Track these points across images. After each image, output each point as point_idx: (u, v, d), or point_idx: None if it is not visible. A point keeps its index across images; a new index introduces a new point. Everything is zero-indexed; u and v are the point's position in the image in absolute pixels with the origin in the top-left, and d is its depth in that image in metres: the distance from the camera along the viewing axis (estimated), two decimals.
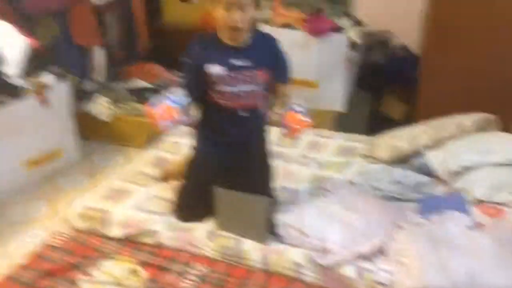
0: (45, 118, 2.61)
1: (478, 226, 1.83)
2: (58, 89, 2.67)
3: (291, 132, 1.85)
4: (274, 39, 1.89)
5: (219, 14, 1.68)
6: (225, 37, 1.75)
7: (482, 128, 2.34)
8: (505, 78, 2.75)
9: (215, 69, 1.74)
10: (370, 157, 2.46)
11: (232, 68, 1.75)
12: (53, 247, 1.82)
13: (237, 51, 1.75)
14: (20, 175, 2.55)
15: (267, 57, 1.83)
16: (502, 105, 2.52)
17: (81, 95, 3.19)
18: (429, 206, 1.97)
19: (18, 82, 2.45)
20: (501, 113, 2.37)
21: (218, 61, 1.74)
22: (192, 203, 1.89)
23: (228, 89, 1.76)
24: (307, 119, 1.82)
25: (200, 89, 1.79)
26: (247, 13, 1.69)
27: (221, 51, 1.75)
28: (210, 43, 1.77)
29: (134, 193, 2.06)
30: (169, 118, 1.63)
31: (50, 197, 2.51)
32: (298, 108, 1.83)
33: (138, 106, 3.14)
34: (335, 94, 3.28)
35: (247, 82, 1.78)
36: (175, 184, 2.07)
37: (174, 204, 1.95)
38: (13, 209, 2.39)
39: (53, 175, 2.71)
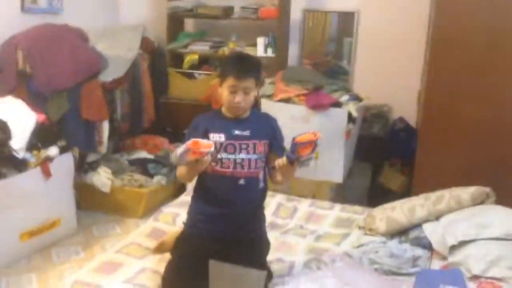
0: (46, 189, 2.66)
1: None
2: (62, 161, 2.75)
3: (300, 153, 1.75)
4: (273, 118, 2.03)
5: (225, 94, 1.85)
6: (228, 112, 1.90)
7: (478, 201, 2.33)
8: (499, 153, 2.80)
9: (216, 137, 1.85)
10: (368, 229, 2.45)
11: (232, 136, 1.86)
12: None
13: (237, 122, 1.89)
14: (17, 245, 2.55)
15: (265, 131, 1.94)
16: (497, 179, 2.54)
17: (83, 167, 3.27)
18: (426, 280, 1.93)
19: (23, 155, 2.53)
20: (496, 186, 2.38)
21: (219, 130, 1.86)
22: (180, 279, 1.85)
23: (228, 156, 1.83)
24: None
25: None
26: (250, 96, 1.85)
27: (222, 122, 1.89)
28: (212, 116, 1.93)
29: (127, 266, 2.04)
30: (208, 147, 1.68)
31: (43, 270, 2.49)
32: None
33: (139, 177, 3.20)
34: (335, 166, 3.32)
35: (246, 151, 1.86)
36: (169, 256, 2.05)
37: (163, 280, 1.92)
38: (5, 282, 2.36)
39: (50, 245, 2.71)
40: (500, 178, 2.53)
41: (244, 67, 1.85)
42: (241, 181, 1.86)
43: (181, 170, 1.87)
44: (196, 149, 1.66)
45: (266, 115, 2.07)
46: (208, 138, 1.84)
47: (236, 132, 1.86)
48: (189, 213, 2.00)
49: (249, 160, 1.87)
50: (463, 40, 2.79)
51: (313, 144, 1.73)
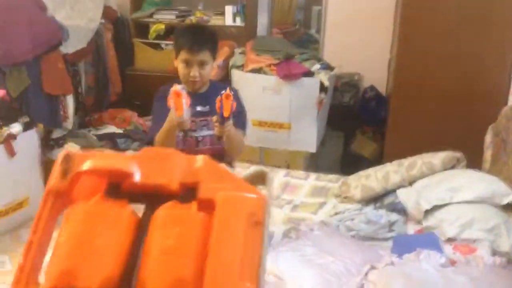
0: (11, 168, 2.54)
1: (452, 263, 1.83)
2: (26, 138, 2.61)
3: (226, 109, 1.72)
4: (236, 90, 1.96)
5: (179, 68, 1.80)
6: (188, 87, 1.83)
7: (449, 165, 2.39)
8: (468, 119, 2.86)
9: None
10: (343, 197, 2.48)
11: (194, 113, 1.79)
12: None
13: (196, 97, 1.82)
14: None
15: None
16: (468, 143, 2.60)
17: (49, 143, 3.13)
18: (403, 244, 1.98)
19: None
20: (467, 150, 2.44)
21: None
22: None
23: (189, 134, 1.77)
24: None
25: None
26: (206, 69, 1.79)
27: None
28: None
29: None
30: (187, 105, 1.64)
31: (15, 251, 2.40)
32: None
33: (108, 152, 3.11)
34: (307, 135, 3.33)
35: (207, 127, 1.82)
36: None
37: None
38: None
39: (19, 226, 2.60)
40: (470, 142, 2.59)
41: (198, 39, 1.78)
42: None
43: (160, 134, 1.79)
44: (179, 104, 1.60)
45: (226, 87, 1.92)
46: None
47: (197, 108, 1.81)
48: None
49: (211, 136, 1.82)
50: (433, 7, 2.79)
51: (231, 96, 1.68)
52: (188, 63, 1.76)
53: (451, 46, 2.84)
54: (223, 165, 1.69)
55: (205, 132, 1.82)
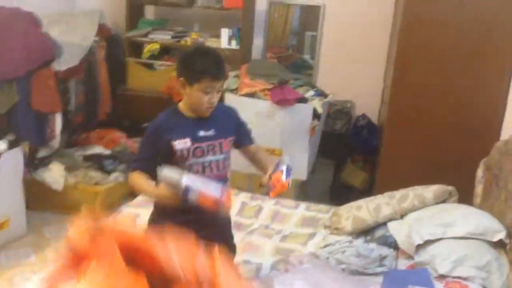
0: None
1: None
2: (10, 156, 2.54)
3: (274, 192, 1.72)
4: (232, 108, 1.94)
5: (197, 96, 1.69)
6: (190, 111, 1.75)
7: (441, 199, 2.37)
8: (461, 152, 2.85)
9: (181, 143, 1.70)
10: (334, 228, 2.43)
11: (197, 139, 1.73)
12: None
13: (200, 122, 1.76)
14: None
15: (229, 125, 1.85)
16: (459, 177, 2.58)
17: (34, 162, 3.05)
18: (394, 281, 1.93)
19: None
20: (458, 185, 2.42)
21: (182, 134, 1.72)
22: None
23: (196, 161, 1.72)
24: (288, 179, 1.74)
25: (156, 165, 1.71)
26: (219, 93, 1.74)
27: (184, 124, 1.75)
28: (170, 117, 1.77)
29: None
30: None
31: None
32: (283, 168, 1.76)
33: (94, 173, 3.03)
34: (299, 163, 3.28)
35: (213, 152, 1.76)
36: None
37: None
38: None
39: None
40: (462, 177, 2.57)
41: (219, 65, 1.71)
42: None
43: (140, 188, 1.71)
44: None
45: (224, 108, 1.94)
46: (171, 147, 1.70)
47: (201, 133, 1.73)
48: (149, 220, 1.85)
49: (217, 161, 1.77)
50: (430, 39, 2.81)
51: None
52: (209, 90, 1.67)
53: (445, 78, 2.85)
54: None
55: (211, 158, 1.75)
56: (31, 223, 2.81)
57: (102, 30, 3.70)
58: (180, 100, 1.81)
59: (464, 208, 2.26)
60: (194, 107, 1.74)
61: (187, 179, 1.52)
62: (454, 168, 2.84)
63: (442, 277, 1.93)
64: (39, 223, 2.87)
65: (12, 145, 2.57)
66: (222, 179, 1.78)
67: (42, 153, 3.15)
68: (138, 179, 1.70)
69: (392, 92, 2.94)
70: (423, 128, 2.90)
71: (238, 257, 2.01)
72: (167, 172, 1.54)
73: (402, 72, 2.90)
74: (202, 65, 1.68)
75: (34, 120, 3.03)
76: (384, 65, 3.81)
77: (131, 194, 2.82)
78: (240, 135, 1.87)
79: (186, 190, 1.51)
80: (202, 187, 1.53)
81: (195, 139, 1.73)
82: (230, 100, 3.32)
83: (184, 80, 1.72)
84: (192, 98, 1.71)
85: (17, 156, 2.61)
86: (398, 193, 2.47)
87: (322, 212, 2.68)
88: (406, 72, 2.90)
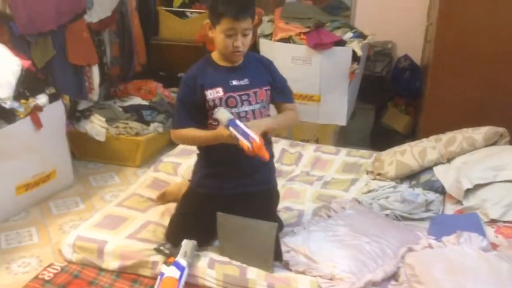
0: (38, 140, 2.52)
1: (493, 247, 1.73)
2: (52, 110, 2.58)
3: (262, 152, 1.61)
4: (269, 60, 1.87)
5: (220, 39, 1.65)
6: (222, 59, 1.72)
7: (491, 141, 2.25)
8: None
9: (213, 93, 1.69)
10: (376, 174, 2.37)
11: (230, 88, 1.70)
12: (44, 281, 1.70)
13: (233, 71, 1.72)
14: (13, 199, 2.45)
15: (264, 76, 1.79)
16: (510, 118, 2.44)
17: (76, 115, 3.11)
18: (441, 226, 1.88)
19: (11, 105, 2.36)
20: (509, 126, 2.28)
21: (215, 84, 1.69)
22: (185, 235, 1.75)
23: (230, 111, 1.68)
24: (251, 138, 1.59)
25: (199, 120, 1.73)
26: (247, 38, 1.67)
27: (217, 73, 1.72)
28: (204, 67, 1.74)
29: (131, 220, 1.95)
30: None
31: (43, 223, 2.41)
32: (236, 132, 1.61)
33: (134, 124, 3.06)
34: (338, 108, 3.20)
35: (248, 102, 1.72)
36: (173, 207, 1.97)
37: (166, 236, 1.84)
38: (3, 236, 2.28)
39: (47, 198, 2.61)
40: None
41: (241, 5, 1.62)
42: None
43: (194, 139, 1.73)
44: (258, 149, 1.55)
45: (261, 58, 1.89)
46: (204, 96, 1.68)
47: (234, 82, 1.70)
48: (195, 171, 1.88)
49: (253, 111, 1.73)
50: None
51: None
52: (231, 33, 1.61)
53: (495, 13, 2.62)
54: None
55: (247, 108, 1.72)
56: (77, 173, 2.90)
57: None
58: (210, 54, 1.77)
59: None
60: (222, 52, 1.69)
61: (231, 121, 1.60)
62: (504, 109, 2.68)
63: (493, 221, 1.86)
64: (85, 173, 2.96)
65: (52, 98, 2.59)
66: None
67: (82, 105, 3.20)
68: (189, 132, 1.71)
69: (437, 29, 2.75)
70: (471, 68, 2.72)
71: (279, 204, 2.01)
72: (220, 113, 1.63)
73: (449, 7, 2.69)
74: (223, 5, 1.61)
75: (72, 73, 3.05)
76: (428, 1, 3.56)
77: (171, 143, 2.85)
78: (273, 90, 1.81)
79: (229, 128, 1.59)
80: (240, 133, 1.57)
81: (228, 89, 1.69)
82: (265, 46, 3.22)
83: (209, 23, 1.67)
84: (218, 42, 1.66)
85: (59, 109, 2.65)
86: (445, 136, 2.36)
87: (363, 157, 2.62)
88: (453, 7, 2.69)
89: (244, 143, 1.55)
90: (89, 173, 2.97)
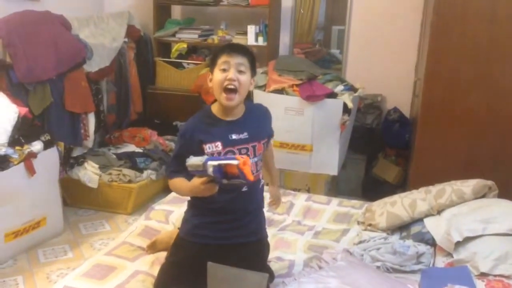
0: (31, 187, 2.52)
1: None
2: (46, 156, 2.60)
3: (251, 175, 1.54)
4: (266, 109, 1.91)
5: (216, 76, 1.67)
6: (221, 112, 1.72)
7: (480, 194, 2.28)
8: (498, 145, 2.74)
9: (212, 147, 1.68)
10: (367, 224, 2.38)
11: (229, 142, 1.70)
12: None
13: (233, 124, 1.72)
14: (2, 246, 2.41)
15: (263, 129, 1.82)
16: (498, 171, 2.48)
17: (69, 162, 3.13)
18: (432, 279, 1.86)
19: (5, 151, 2.38)
20: (497, 179, 2.32)
21: (214, 138, 1.69)
22: (176, 284, 1.73)
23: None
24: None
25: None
26: (244, 77, 1.68)
27: (216, 127, 1.71)
28: (203, 120, 1.75)
29: (120, 270, 1.92)
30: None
31: (30, 272, 2.36)
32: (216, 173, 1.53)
33: (127, 171, 3.08)
34: (330, 158, 3.25)
35: (247, 156, 1.71)
36: (163, 256, 1.96)
37: (157, 282, 1.81)
38: None
39: (36, 245, 2.58)
40: (501, 172, 2.47)
41: (238, 45, 1.73)
42: (245, 188, 1.72)
43: (181, 186, 1.69)
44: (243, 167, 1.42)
45: (260, 108, 1.90)
46: (203, 149, 1.67)
47: (233, 136, 1.69)
48: (185, 219, 1.87)
49: (251, 164, 1.75)
50: (464, 29, 2.70)
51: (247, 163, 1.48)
52: (225, 67, 1.64)
53: (480, 70, 2.72)
54: None
55: None
56: (67, 220, 2.88)
57: (131, 31, 3.75)
58: (213, 102, 1.79)
59: (505, 204, 2.17)
60: (218, 91, 1.67)
61: (208, 158, 1.51)
62: (491, 162, 2.73)
63: (483, 275, 1.85)
64: (75, 220, 2.94)
65: (47, 145, 2.62)
66: (255, 181, 1.75)
67: (76, 152, 3.22)
68: (178, 182, 1.71)
69: (425, 85, 2.86)
70: (458, 121, 2.80)
71: (270, 254, 1.99)
72: (191, 160, 1.53)
73: (436, 64, 2.81)
74: (220, 49, 1.69)
75: (68, 120, 3.10)
76: (415, 57, 3.71)
77: (164, 191, 2.86)
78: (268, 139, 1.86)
79: (208, 165, 1.47)
80: (222, 160, 1.49)
81: (227, 143, 1.69)
82: (259, 96, 3.30)
83: (210, 73, 1.72)
84: (215, 84, 1.67)
85: (53, 155, 2.67)
86: (435, 188, 2.39)
87: (355, 207, 2.64)
88: (440, 64, 2.80)
89: (232, 162, 1.45)
90: (80, 220, 2.95)
